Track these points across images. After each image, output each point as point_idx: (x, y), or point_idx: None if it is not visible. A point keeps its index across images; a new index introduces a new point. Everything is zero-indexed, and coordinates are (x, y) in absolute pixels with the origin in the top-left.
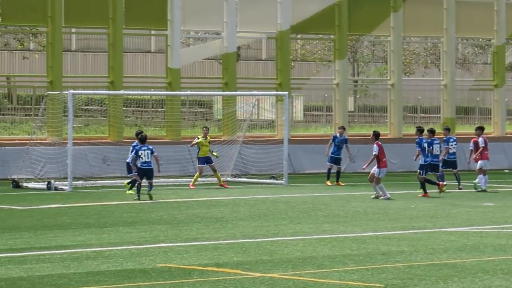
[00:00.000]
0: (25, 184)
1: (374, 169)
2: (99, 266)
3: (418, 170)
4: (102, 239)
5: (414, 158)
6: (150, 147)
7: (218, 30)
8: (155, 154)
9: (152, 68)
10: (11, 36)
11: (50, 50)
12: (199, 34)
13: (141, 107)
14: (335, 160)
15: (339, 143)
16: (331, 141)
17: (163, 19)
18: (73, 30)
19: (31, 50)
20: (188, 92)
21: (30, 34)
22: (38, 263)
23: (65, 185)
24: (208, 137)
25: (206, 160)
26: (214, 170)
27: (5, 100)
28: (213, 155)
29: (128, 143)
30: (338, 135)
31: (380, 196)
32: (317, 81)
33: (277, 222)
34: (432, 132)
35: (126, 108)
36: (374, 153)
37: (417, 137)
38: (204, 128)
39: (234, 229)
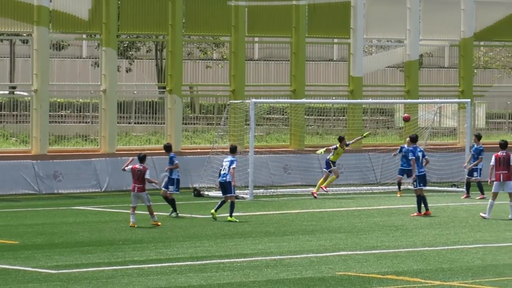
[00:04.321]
0: (206, 193)
1: None
2: (279, 274)
3: None
4: (282, 248)
5: None
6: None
7: (400, 38)
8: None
9: (334, 76)
10: (195, 46)
11: (233, 59)
12: (382, 42)
13: (323, 116)
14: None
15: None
16: None
17: (346, 28)
18: (256, 39)
19: (214, 60)
20: (370, 100)
21: (213, 44)
22: (218, 271)
23: (246, 194)
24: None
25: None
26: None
27: (188, 109)
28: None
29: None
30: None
31: None
32: (500, 88)
33: (457, 230)
34: None
35: (308, 117)
36: None
37: None
38: None
39: (414, 237)
